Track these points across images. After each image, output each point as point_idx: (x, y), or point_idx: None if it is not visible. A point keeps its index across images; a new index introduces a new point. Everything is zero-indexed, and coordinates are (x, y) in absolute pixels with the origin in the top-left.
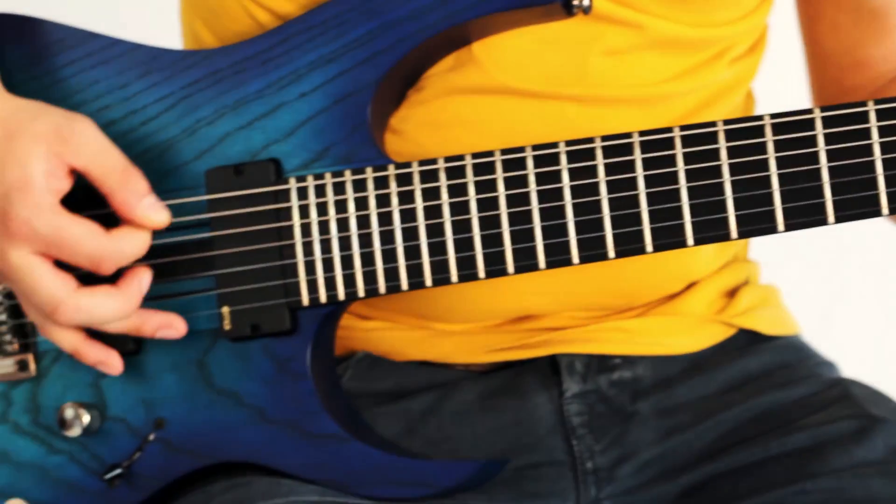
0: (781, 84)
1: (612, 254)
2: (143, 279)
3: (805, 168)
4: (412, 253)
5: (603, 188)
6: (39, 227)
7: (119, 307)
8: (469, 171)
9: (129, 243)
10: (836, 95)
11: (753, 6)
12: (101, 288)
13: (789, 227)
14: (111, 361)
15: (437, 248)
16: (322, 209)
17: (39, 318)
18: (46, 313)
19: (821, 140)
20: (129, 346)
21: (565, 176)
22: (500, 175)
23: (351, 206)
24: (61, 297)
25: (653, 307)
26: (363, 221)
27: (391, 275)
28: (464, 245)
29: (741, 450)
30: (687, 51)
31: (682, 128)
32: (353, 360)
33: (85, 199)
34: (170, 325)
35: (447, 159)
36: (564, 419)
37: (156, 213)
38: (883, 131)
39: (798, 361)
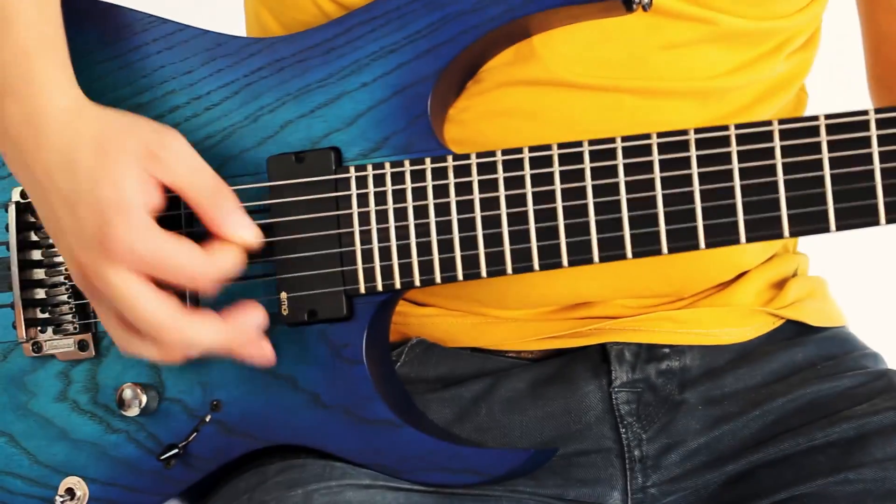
0: (832, 81)
1: (665, 249)
2: (255, 317)
3: (858, 169)
4: (468, 244)
5: (658, 184)
6: (140, 248)
7: (222, 340)
8: (526, 164)
9: (227, 259)
10: (889, 76)
11: None
12: (209, 314)
13: (840, 227)
14: (192, 353)
15: (493, 240)
16: (381, 198)
17: (123, 334)
18: (149, 334)
19: (874, 141)
20: None
21: (621, 171)
22: (556, 168)
23: (409, 196)
24: (165, 319)
25: (702, 297)
26: (421, 211)
27: (447, 265)
28: (519, 237)
29: (786, 439)
30: (746, 44)
31: (738, 126)
32: (407, 345)
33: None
34: (262, 354)
35: (505, 152)
36: (613, 407)
37: (247, 231)
38: None
39: (844, 353)
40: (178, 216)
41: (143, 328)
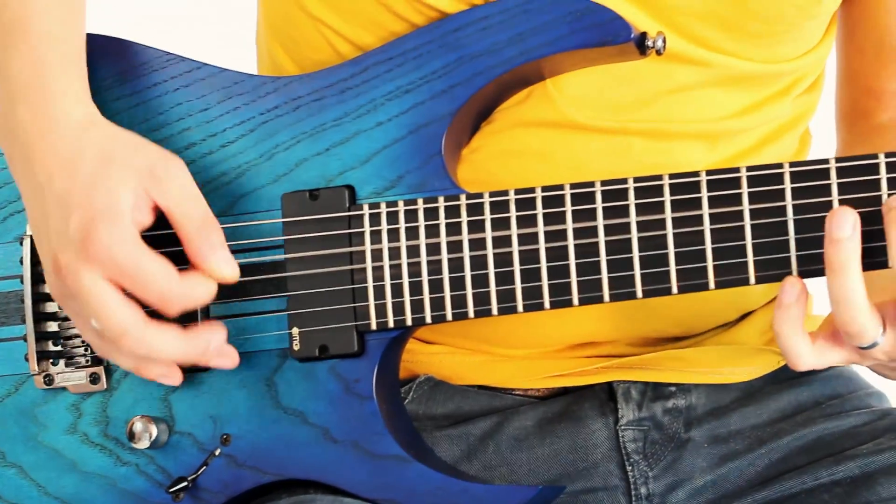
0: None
1: (675, 289)
2: (215, 336)
3: (868, 210)
4: (480, 281)
5: (669, 224)
6: (118, 256)
7: (182, 352)
8: (539, 203)
9: (199, 289)
10: (851, 116)
11: (818, 39)
12: (171, 328)
13: None
14: (171, 374)
15: (505, 278)
16: (394, 235)
17: (96, 339)
18: (111, 339)
19: (884, 184)
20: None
21: (633, 211)
22: (568, 208)
23: (422, 234)
24: (128, 326)
25: (708, 336)
26: (433, 249)
27: (458, 302)
28: (530, 276)
29: (792, 478)
30: (755, 86)
31: (749, 168)
32: (415, 382)
33: (159, 231)
34: (223, 355)
35: (517, 191)
36: (620, 445)
37: (227, 267)
38: None
39: (848, 392)
40: (165, 239)
41: (106, 332)
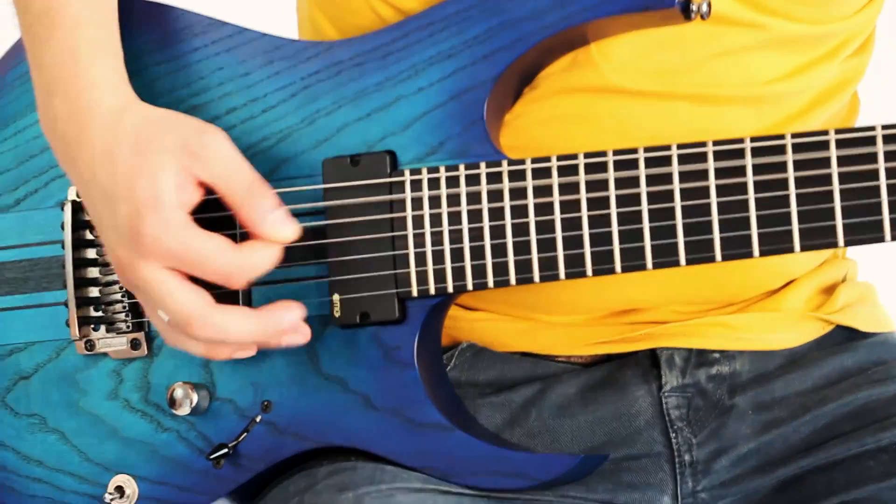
0: (886, 86)
1: (719, 257)
2: (289, 314)
3: None
4: (522, 249)
5: (713, 192)
6: (170, 243)
7: (253, 331)
8: (581, 170)
9: (259, 258)
10: None
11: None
12: (240, 308)
13: None
14: (245, 349)
15: (546, 245)
16: (435, 202)
17: (164, 326)
18: (179, 327)
19: None
20: None
21: (676, 178)
22: (611, 175)
23: (463, 200)
24: (194, 311)
25: (752, 303)
26: (475, 216)
27: (500, 269)
28: (572, 243)
29: (836, 445)
30: (802, 48)
31: (794, 135)
32: (457, 349)
33: (215, 208)
34: (295, 332)
35: (560, 157)
36: (663, 412)
37: (284, 228)
38: None
39: (894, 358)
40: (225, 218)
41: (174, 321)
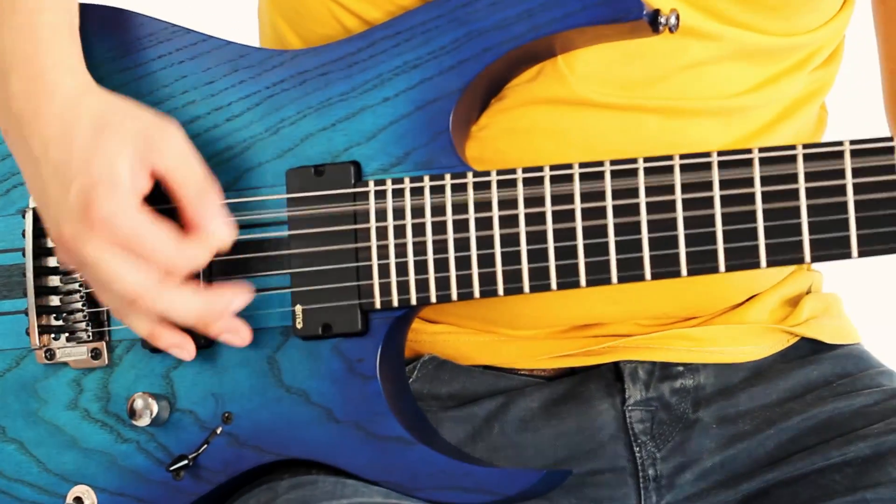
0: (853, 99)
1: (685, 272)
2: (236, 298)
3: (883, 196)
4: (486, 261)
5: (679, 206)
6: (120, 224)
7: (199, 309)
8: (547, 182)
9: (197, 254)
10: None
11: (835, 11)
12: (186, 286)
13: (863, 253)
14: (185, 346)
15: (511, 258)
16: (399, 213)
17: (115, 302)
18: (126, 302)
19: None
20: (201, 340)
21: (642, 192)
22: (577, 187)
23: (428, 212)
24: (143, 286)
25: (716, 315)
26: (439, 228)
27: (464, 282)
28: (537, 256)
29: (801, 458)
30: (770, 60)
31: (761, 149)
32: (419, 362)
33: (162, 194)
34: (235, 331)
35: (525, 170)
36: (627, 426)
37: (223, 231)
38: None
39: (859, 371)
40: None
41: (122, 295)
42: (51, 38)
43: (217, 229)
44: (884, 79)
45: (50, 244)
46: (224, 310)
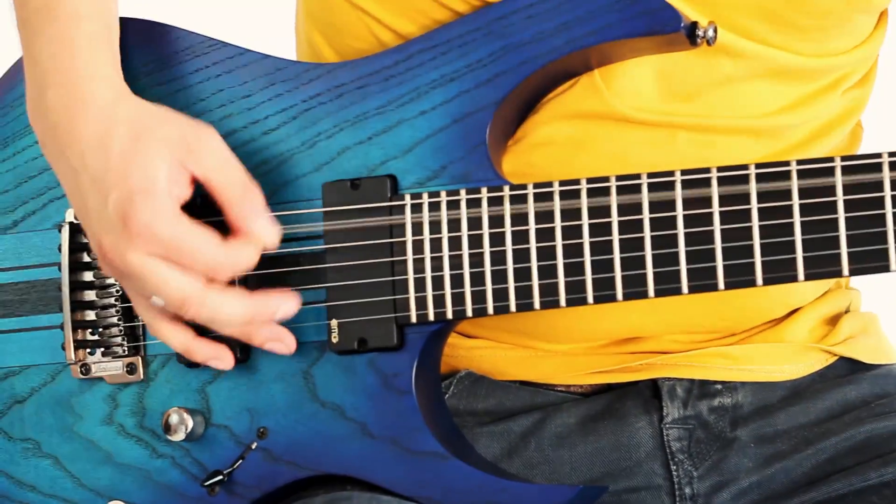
0: (888, 115)
1: (721, 285)
2: (284, 304)
3: None
4: (522, 275)
5: (716, 218)
6: (160, 231)
7: (245, 313)
8: (584, 195)
9: (243, 255)
10: None
11: (868, 33)
12: (233, 289)
13: None
14: (223, 356)
15: (548, 272)
16: (435, 227)
17: (151, 315)
18: (174, 308)
19: None
20: (237, 354)
21: (679, 204)
22: (614, 200)
23: (464, 226)
24: (188, 291)
25: (755, 333)
26: (475, 241)
27: (500, 296)
28: (574, 269)
29: (839, 479)
30: (802, 80)
31: (799, 162)
32: (455, 377)
33: (203, 206)
34: (280, 339)
35: (562, 183)
36: (664, 444)
37: (269, 231)
38: None
39: None
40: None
41: (169, 304)
42: (87, 48)
43: (262, 229)
44: None
45: (86, 259)
46: (272, 315)
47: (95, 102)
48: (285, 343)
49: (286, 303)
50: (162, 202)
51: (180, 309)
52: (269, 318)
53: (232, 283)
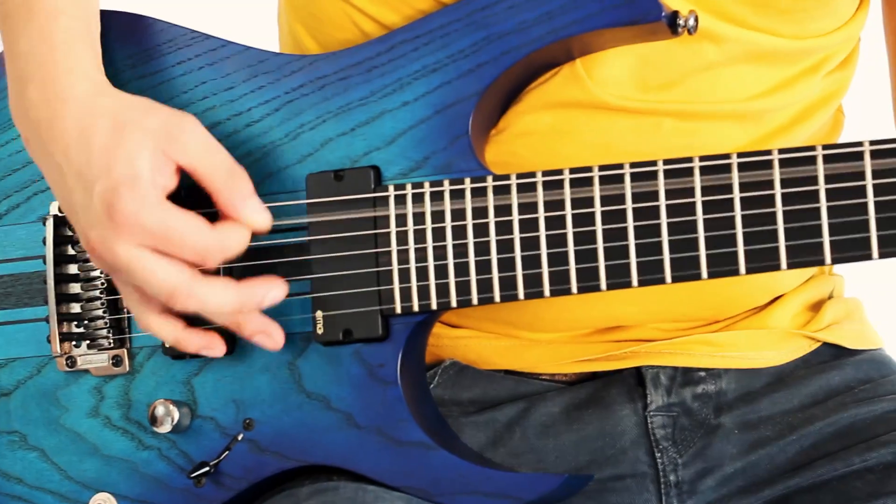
0: (869, 101)
1: (705, 274)
2: (271, 291)
3: None
4: (506, 265)
5: (699, 208)
6: (146, 220)
7: (233, 301)
8: (567, 186)
9: (233, 238)
10: None
11: (849, 15)
12: (220, 279)
13: (884, 254)
14: (214, 344)
15: (531, 262)
16: (419, 218)
17: (139, 307)
18: (165, 300)
19: None
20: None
21: (662, 194)
22: (597, 191)
23: (448, 217)
24: (176, 282)
25: (738, 320)
26: (459, 232)
27: (484, 286)
28: (558, 259)
29: (823, 464)
30: (784, 63)
31: (781, 151)
32: (440, 367)
33: (188, 198)
34: (268, 332)
35: (545, 173)
36: (648, 431)
37: (259, 214)
38: None
39: (881, 376)
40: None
41: (156, 294)
42: (66, 43)
43: (251, 212)
44: (893, 79)
45: (71, 251)
46: (260, 302)
47: (75, 97)
48: (273, 338)
49: (274, 289)
50: (147, 191)
51: (169, 300)
52: (257, 305)
53: (217, 272)
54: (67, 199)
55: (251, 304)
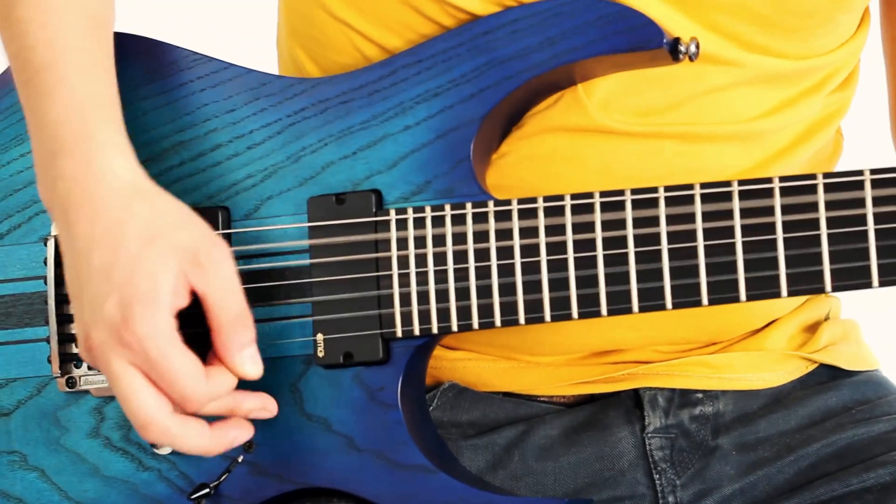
0: (868, 122)
1: (705, 301)
2: (241, 434)
3: None
4: (507, 290)
5: (700, 235)
6: (151, 349)
7: (204, 447)
8: (568, 211)
9: (220, 385)
10: None
11: (851, 32)
12: (195, 423)
13: (884, 283)
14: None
15: (532, 287)
16: (420, 242)
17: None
18: (136, 425)
19: None
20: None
21: (663, 221)
22: (598, 216)
23: (449, 241)
24: (153, 417)
25: (735, 342)
26: (460, 256)
27: (485, 311)
28: (559, 285)
29: (821, 485)
30: (786, 84)
31: (782, 179)
32: (439, 389)
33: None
34: (264, 408)
35: (546, 199)
36: (647, 453)
37: (252, 367)
38: None
39: (878, 397)
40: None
41: (130, 416)
42: (96, 114)
43: (242, 363)
44: (891, 98)
45: None
46: (230, 444)
47: (111, 183)
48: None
49: (243, 433)
50: (162, 318)
51: (140, 429)
52: (227, 447)
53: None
54: (77, 287)
55: (221, 448)
